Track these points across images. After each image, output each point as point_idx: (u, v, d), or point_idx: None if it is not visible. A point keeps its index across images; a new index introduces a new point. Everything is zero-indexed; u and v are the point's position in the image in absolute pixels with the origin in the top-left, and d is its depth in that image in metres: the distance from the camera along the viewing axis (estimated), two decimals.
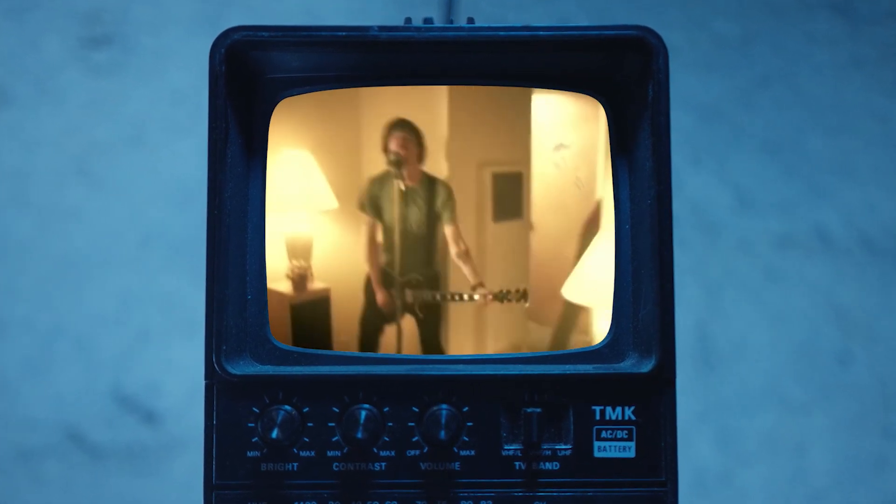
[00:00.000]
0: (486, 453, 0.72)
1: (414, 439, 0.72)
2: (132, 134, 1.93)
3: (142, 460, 1.76)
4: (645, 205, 0.73)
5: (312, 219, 0.81)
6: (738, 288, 1.91)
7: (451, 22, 0.82)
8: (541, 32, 0.72)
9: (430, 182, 0.82)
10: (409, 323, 0.82)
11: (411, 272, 0.82)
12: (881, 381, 1.87)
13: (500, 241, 0.82)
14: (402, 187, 0.82)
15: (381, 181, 0.81)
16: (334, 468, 0.72)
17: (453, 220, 0.82)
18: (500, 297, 0.81)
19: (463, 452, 0.72)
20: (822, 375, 1.87)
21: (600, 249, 0.79)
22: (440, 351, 0.82)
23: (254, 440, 0.72)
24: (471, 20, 0.78)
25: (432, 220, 0.82)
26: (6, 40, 1.95)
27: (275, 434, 0.70)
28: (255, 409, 0.72)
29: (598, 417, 0.73)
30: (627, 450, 0.72)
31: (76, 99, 1.94)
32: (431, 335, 0.82)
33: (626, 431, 0.73)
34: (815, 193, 1.97)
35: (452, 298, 0.82)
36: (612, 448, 0.72)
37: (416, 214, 0.82)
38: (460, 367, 0.73)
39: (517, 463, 0.72)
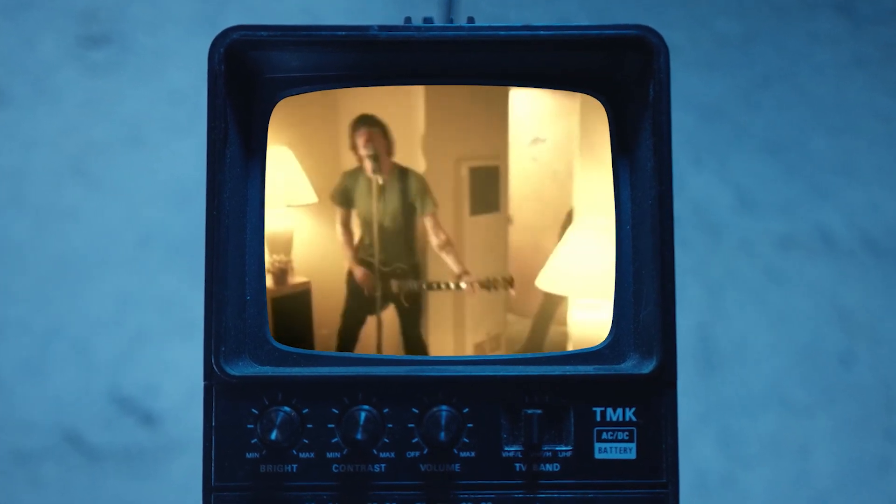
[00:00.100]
0: (486, 455, 0.72)
1: (414, 441, 0.72)
2: (130, 134, 1.92)
3: (140, 462, 1.76)
4: (646, 205, 0.73)
5: (292, 213, 0.82)
6: (740, 289, 1.91)
7: (451, 21, 0.83)
8: (541, 32, 0.72)
9: (403, 173, 0.83)
10: (390, 315, 0.83)
11: (394, 262, 0.82)
12: (884, 383, 1.87)
13: (478, 234, 0.84)
14: (381, 181, 0.82)
15: (353, 175, 0.82)
16: (334, 470, 0.72)
17: (431, 211, 0.83)
18: (487, 284, 0.81)
19: (463, 454, 0.72)
20: (825, 377, 1.87)
21: (573, 240, 0.80)
22: (422, 343, 0.83)
23: (253, 442, 0.71)
24: (471, 19, 0.78)
25: (409, 212, 0.83)
26: (2, 39, 1.95)
27: (274, 435, 0.70)
28: (254, 410, 0.71)
29: (598, 419, 0.72)
30: (628, 451, 0.72)
31: (73, 98, 1.93)
32: (413, 328, 0.83)
33: (626, 433, 0.72)
34: (818, 194, 1.96)
35: (438, 287, 0.82)
36: (613, 449, 0.72)
37: (392, 206, 0.83)
38: (460, 368, 0.73)
39: (517, 464, 0.72)
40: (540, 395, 0.72)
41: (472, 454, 0.72)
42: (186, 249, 1.84)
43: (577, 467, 0.72)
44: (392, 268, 0.82)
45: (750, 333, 1.89)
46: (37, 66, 1.94)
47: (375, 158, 0.82)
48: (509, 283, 0.82)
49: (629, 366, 0.73)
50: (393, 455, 0.72)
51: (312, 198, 0.81)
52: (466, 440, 0.72)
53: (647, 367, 0.71)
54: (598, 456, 0.72)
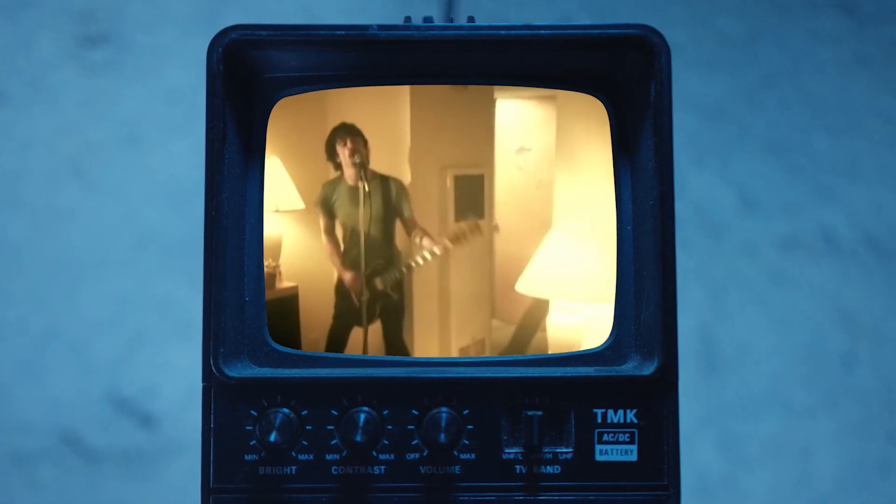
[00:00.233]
0: (486, 457, 0.72)
1: (414, 443, 0.72)
2: (128, 134, 1.92)
3: (138, 464, 1.76)
4: (647, 206, 0.72)
5: (280, 219, 0.82)
6: (742, 290, 1.91)
7: (452, 21, 0.83)
8: (542, 31, 0.72)
9: (384, 180, 0.84)
10: (375, 323, 0.84)
11: (376, 261, 0.83)
12: (887, 385, 1.87)
13: (463, 242, 0.85)
14: (367, 189, 0.83)
15: (331, 185, 0.83)
16: (333, 472, 0.71)
17: (409, 210, 0.84)
18: (458, 236, 0.82)
19: (463, 456, 0.72)
20: (827, 379, 1.87)
21: (553, 244, 0.80)
22: (407, 347, 0.83)
23: (252, 443, 0.71)
24: (471, 19, 0.78)
25: (390, 215, 0.84)
26: None
27: (273, 437, 0.70)
28: (253, 412, 0.71)
29: (599, 420, 0.72)
30: (629, 453, 0.72)
31: (71, 98, 1.93)
32: (397, 331, 0.84)
33: (627, 435, 0.72)
34: (821, 194, 1.96)
35: (416, 264, 0.82)
36: (614, 451, 0.72)
37: (377, 213, 0.83)
38: (460, 369, 0.73)
39: (518, 466, 0.72)
40: (540, 397, 0.72)
41: (473, 456, 0.72)
42: (185, 250, 1.84)
43: (578, 469, 0.72)
44: (373, 266, 0.82)
45: (752, 335, 1.89)
46: (34, 65, 1.94)
47: (363, 167, 0.82)
48: (476, 227, 0.82)
49: (630, 367, 0.72)
50: (392, 457, 0.71)
51: (299, 204, 0.82)
52: (466, 442, 0.72)
53: (649, 369, 0.71)
54: (598, 458, 0.72)
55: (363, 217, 0.83)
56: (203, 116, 0.71)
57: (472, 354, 0.84)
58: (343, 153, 0.82)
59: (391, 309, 0.83)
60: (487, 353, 0.84)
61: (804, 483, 1.81)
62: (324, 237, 0.83)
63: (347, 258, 0.83)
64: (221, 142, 0.71)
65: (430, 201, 0.84)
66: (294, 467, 0.71)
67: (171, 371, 1.80)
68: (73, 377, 1.80)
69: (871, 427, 1.84)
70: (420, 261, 0.83)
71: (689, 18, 2.06)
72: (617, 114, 0.76)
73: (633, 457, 0.72)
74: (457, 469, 0.72)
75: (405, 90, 0.82)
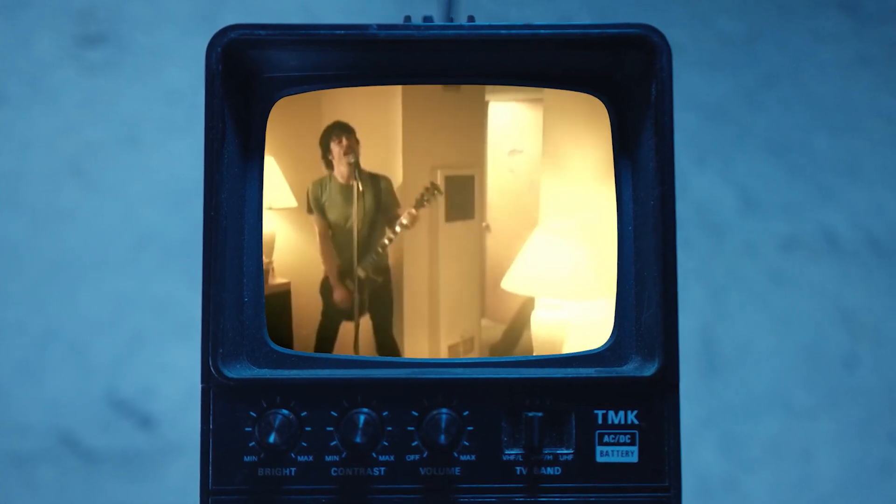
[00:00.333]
0: (486, 458, 0.72)
1: (413, 444, 0.71)
2: (127, 134, 1.92)
3: (137, 465, 1.76)
4: (648, 206, 0.72)
5: (272, 216, 0.82)
6: (743, 290, 1.91)
7: (452, 20, 0.83)
8: (542, 31, 0.71)
9: (374, 178, 0.84)
10: (366, 317, 0.84)
11: (364, 256, 0.83)
12: (888, 386, 1.87)
13: (453, 241, 0.85)
14: (360, 187, 0.83)
15: (320, 184, 0.83)
16: (332, 473, 0.71)
17: (398, 205, 0.84)
18: (419, 202, 0.82)
19: (463, 457, 0.72)
20: (829, 379, 1.87)
21: (538, 242, 0.81)
22: (396, 344, 0.83)
23: (251, 445, 0.71)
24: (471, 18, 0.78)
25: (381, 212, 0.84)
26: None
27: (272, 439, 0.70)
28: (252, 413, 0.71)
29: (600, 421, 0.72)
30: (630, 454, 0.72)
31: (70, 98, 1.93)
32: (387, 329, 0.84)
33: (628, 436, 0.72)
34: (822, 194, 1.96)
35: (389, 241, 0.83)
36: (615, 453, 0.72)
37: (370, 210, 0.84)
38: (460, 370, 0.73)
39: (518, 468, 0.72)
40: (541, 398, 0.72)
41: (473, 457, 0.71)
42: (184, 250, 1.84)
43: (579, 471, 0.72)
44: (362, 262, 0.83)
45: (753, 335, 1.89)
46: (33, 65, 1.94)
47: (357, 166, 0.82)
48: (434, 187, 0.83)
49: (631, 368, 0.72)
50: (392, 458, 0.71)
51: (292, 201, 0.82)
52: (466, 443, 0.71)
53: (650, 370, 0.71)
54: (599, 459, 0.72)
55: (356, 214, 0.83)
56: (202, 116, 0.71)
57: (462, 352, 0.84)
58: (337, 151, 0.82)
59: (380, 303, 0.83)
60: (476, 351, 0.84)
61: (805, 484, 1.81)
62: (318, 240, 0.83)
63: (339, 255, 0.83)
64: (220, 142, 0.71)
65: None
66: (293, 469, 0.71)
67: (171, 372, 1.80)
68: (72, 378, 1.80)
69: (873, 427, 1.84)
70: (392, 236, 0.83)
71: (689, 18, 2.06)
72: (617, 113, 0.76)
73: (634, 458, 0.72)
74: (457, 470, 0.71)
75: (397, 90, 0.82)
